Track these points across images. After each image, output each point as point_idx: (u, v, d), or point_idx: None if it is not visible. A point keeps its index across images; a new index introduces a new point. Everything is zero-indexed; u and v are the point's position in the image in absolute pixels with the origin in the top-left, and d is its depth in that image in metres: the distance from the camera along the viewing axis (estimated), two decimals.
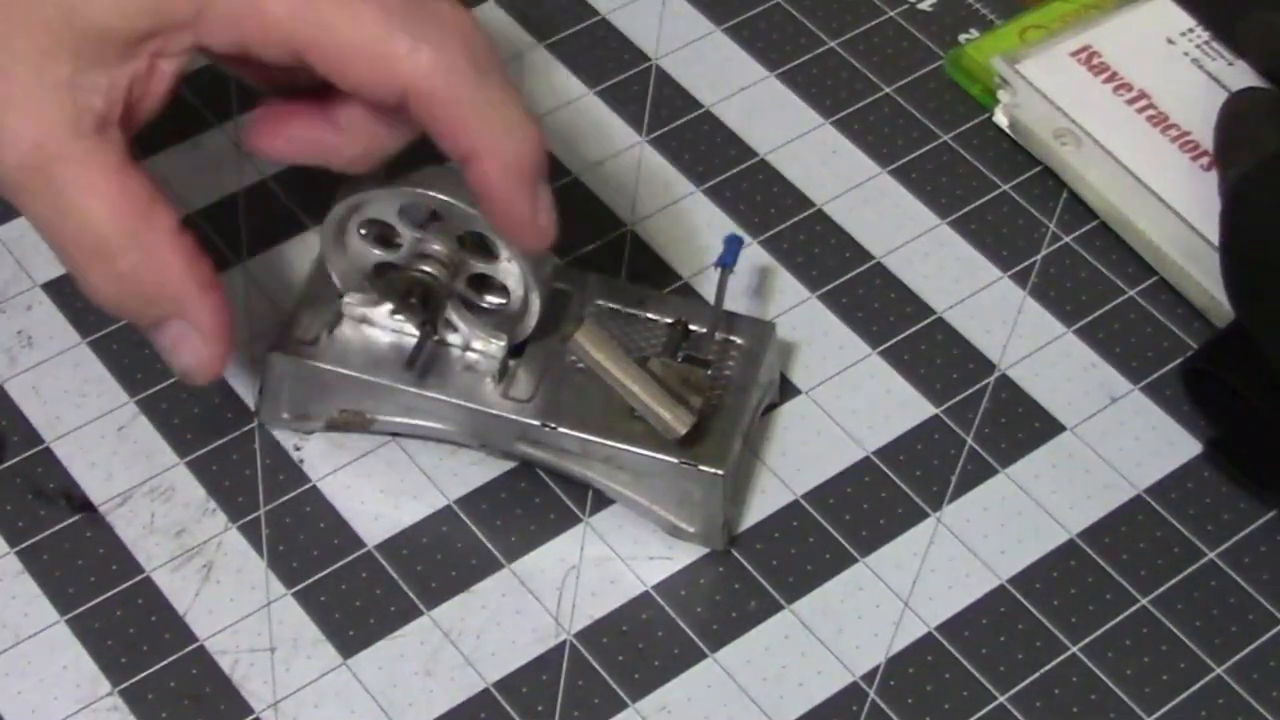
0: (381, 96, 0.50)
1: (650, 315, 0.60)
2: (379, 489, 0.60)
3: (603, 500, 0.59)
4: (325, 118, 0.52)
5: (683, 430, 0.57)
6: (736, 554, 0.59)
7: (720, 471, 0.57)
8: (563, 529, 0.59)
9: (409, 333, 0.59)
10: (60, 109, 0.48)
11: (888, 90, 0.70)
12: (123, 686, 0.55)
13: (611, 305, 0.60)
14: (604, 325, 0.60)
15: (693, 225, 0.66)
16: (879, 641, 0.57)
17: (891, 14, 0.73)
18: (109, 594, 0.57)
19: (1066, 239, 0.66)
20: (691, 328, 0.59)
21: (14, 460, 0.60)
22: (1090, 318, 0.65)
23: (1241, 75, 0.69)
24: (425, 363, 0.59)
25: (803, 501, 0.60)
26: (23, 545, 0.58)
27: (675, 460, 0.57)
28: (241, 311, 0.63)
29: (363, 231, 0.58)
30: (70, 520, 0.59)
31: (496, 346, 0.59)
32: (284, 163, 0.53)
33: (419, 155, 0.55)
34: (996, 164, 0.68)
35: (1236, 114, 0.66)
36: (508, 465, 0.60)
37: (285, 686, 0.56)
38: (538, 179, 0.52)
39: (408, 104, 0.50)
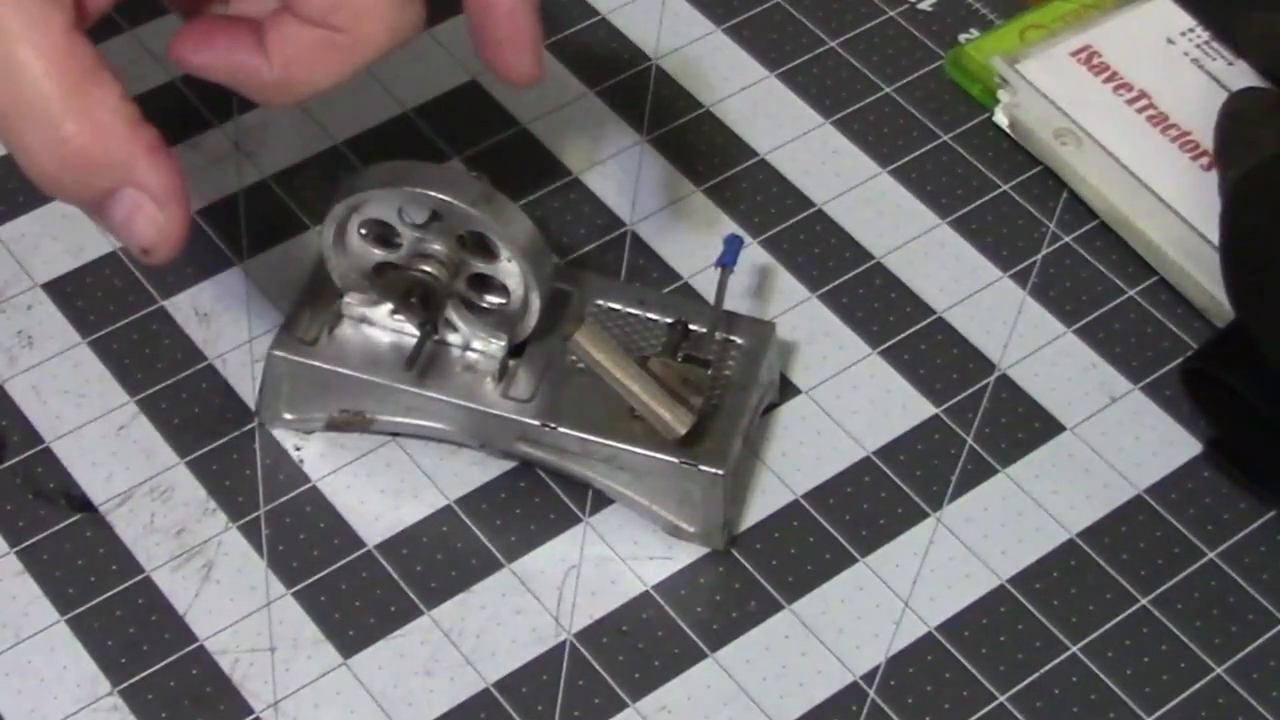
0: None
1: (650, 315, 0.60)
2: (379, 489, 0.60)
3: (603, 500, 0.59)
4: (251, 38, 0.51)
5: (683, 430, 0.57)
6: (736, 554, 0.59)
7: (720, 471, 0.57)
8: (563, 529, 0.59)
9: (409, 333, 0.59)
10: None
11: (888, 90, 0.70)
12: (123, 686, 0.55)
13: (611, 305, 0.60)
14: (604, 325, 0.60)
15: (693, 225, 0.66)
16: (879, 641, 0.57)
17: (891, 14, 0.73)
18: (109, 594, 0.57)
19: (1066, 239, 0.66)
20: (691, 328, 0.59)
21: (14, 460, 0.60)
22: (1090, 318, 0.65)
23: (1241, 75, 0.69)
24: (425, 363, 0.59)
25: (803, 501, 0.60)
26: (23, 545, 0.58)
27: (675, 460, 0.57)
28: (242, 311, 0.63)
29: (363, 231, 0.58)
30: (70, 520, 0.59)
31: (496, 346, 0.59)
32: (203, 76, 0.52)
33: (419, 155, 0.55)
34: (996, 164, 0.68)
35: (1236, 114, 0.66)
36: (508, 465, 0.60)
37: (285, 686, 0.56)
38: (538, 9, 0.52)
39: None
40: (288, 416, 0.60)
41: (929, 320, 0.64)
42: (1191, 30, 0.70)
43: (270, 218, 0.66)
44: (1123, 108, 0.68)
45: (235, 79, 0.52)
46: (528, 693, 0.56)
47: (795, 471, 0.60)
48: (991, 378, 0.63)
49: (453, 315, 0.59)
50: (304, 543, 0.58)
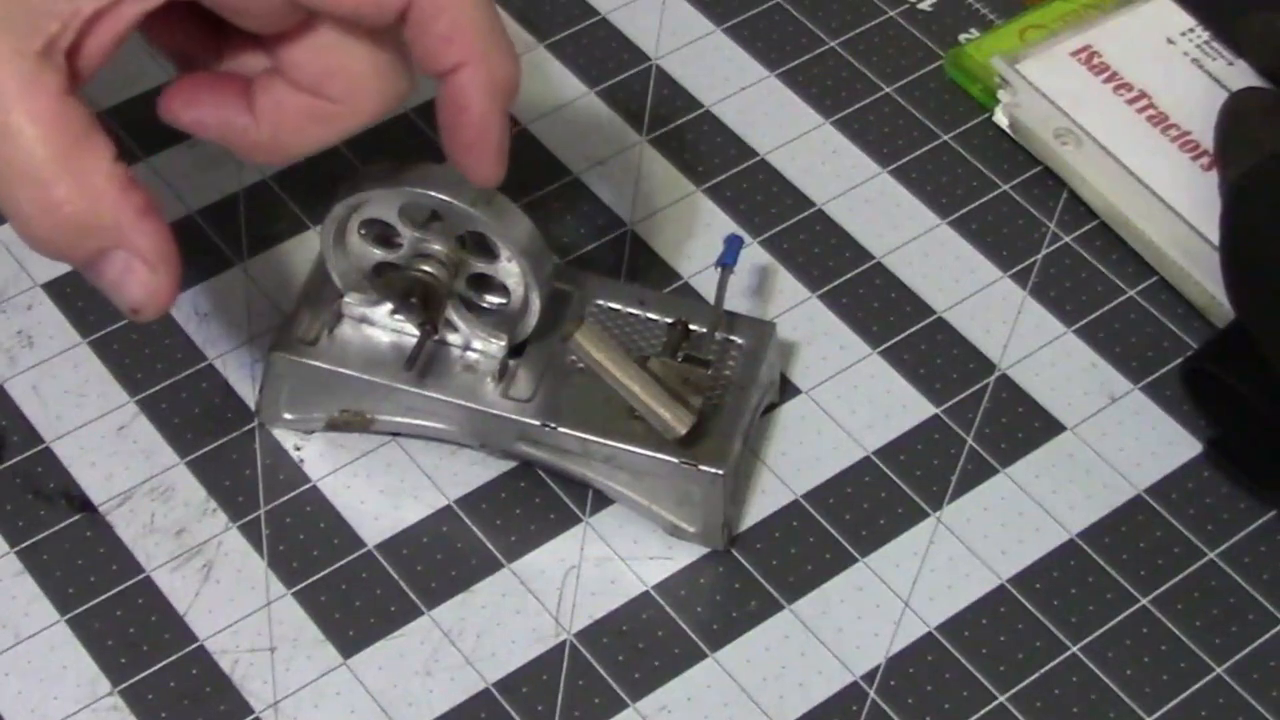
0: (384, 10, 0.50)
1: (650, 315, 0.60)
2: (379, 489, 0.60)
3: (603, 500, 0.59)
4: (241, 98, 0.52)
5: (683, 430, 0.57)
6: (736, 554, 0.59)
7: (720, 471, 0.57)
8: (563, 529, 0.59)
9: (409, 333, 0.59)
10: (12, 27, 0.47)
11: (888, 90, 0.70)
12: (123, 686, 0.55)
13: (611, 305, 0.60)
14: (604, 325, 0.60)
15: (693, 225, 0.66)
16: (879, 641, 0.57)
17: (891, 14, 0.73)
18: (109, 594, 0.57)
19: (1066, 239, 0.66)
20: (691, 328, 0.59)
21: (14, 460, 0.60)
22: (1090, 318, 0.65)
23: (1241, 75, 0.69)
24: (425, 363, 0.59)
25: (803, 501, 0.60)
26: (23, 545, 0.58)
27: (675, 460, 0.57)
28: (242, 311, 0.63)
29: (363, 231, 0.58)
30: (70, 520, 0.59)
31: (496, 346, 0.59)
32: (191, 133, 0.53)
33: (419, 155, 0.55)
34: (996, 164, 0.68)
35: (1236, 113, 0.66)
36: (508, 465, 0.60)
37: (285, 686, 0.56)
38: (508, 109, 0.52)
39: (409, 14, 0.50)
40: (288, 416, 0.60)
41: (929, 320, 0.64)
42: (1191, 30, 0.70)
43: (270, 218, 0.66)
44: (1123, 107, 0.68)
45: (224, 137, 0.52)
46: (528, 693, 0.56)
47: (795, 471, 0.60)
48: (991, 378, 0.63)
49: (453, 315, 0.59)
50: (304, 543, 0.58)
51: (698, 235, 0.66)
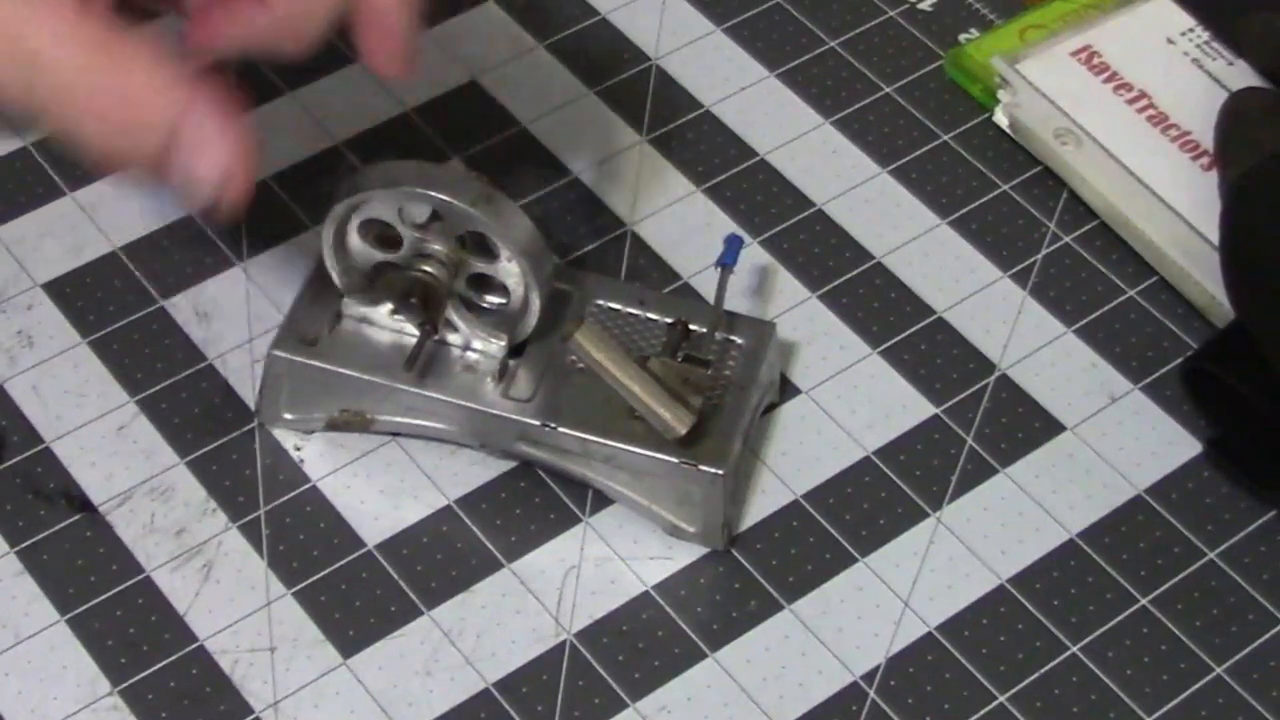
0: None
1: (650, 315, 0.60)
2: (379, 489, 0.60)
3: (603, 500, 0.59)
4: (251, 1, 0.52)
5: (683, 430, 0.57)
6: (736, 554, 0.59)
7: (720, 471, 0.57)
8: (563, 529, 0.59)
9: (409, 333, 0.59)
10: None
11: (888, 90, 0.70)
12: (123, 686, 0.55)
13: (611, 305, 0.60)
14: (604, 325, 0.60)
15: (693, 225, 0.66)
16: (879, 641, 0.57)
17: (891, 14, 0.73)
18: (109, 594, 0.57)
19: (1066, 239, 0.66)
20: (691, 328, 0.59)
21: (14, 460, 0.60)
22: (1090, 318, 0.65)
23: (1241, 75, 0.69)
24: (425, 363, 0.59)
25: (803, 501, 0.60)
26: (23, 545, 0.58)
27: (675, 460, 0.57)
28: (242, 311, 0.63)
29: (363, 231, 0.58)
30: (70, 520, 0.59)
31: (496, 346, 0.59)
32: (224, 54, 0.52)
33: (419, 155, 0.55)
34: (996, 164, 0.68)
35: (1236, 113, 0.66)
36: (508, 465, 0.60)
37: (285, 686, 0.56)
38: (418, 4, 0.52)
39: None
40: (288, 416, 0.60)
41: (929, 320, 0.64)
42: (1191, 30, 0.70)
43: (270, 218, 0.65)
44: (1123, 108, 0.68)
45: (252, 41, 0.52)
46: (528, 693, 0.56)
47: (795, 471, 0.60)
48: (991, 378, 0.63)
49: (453, 315, 0.59)
50: (304, 543, 0.58)
51: (698, 235, 0.66)
